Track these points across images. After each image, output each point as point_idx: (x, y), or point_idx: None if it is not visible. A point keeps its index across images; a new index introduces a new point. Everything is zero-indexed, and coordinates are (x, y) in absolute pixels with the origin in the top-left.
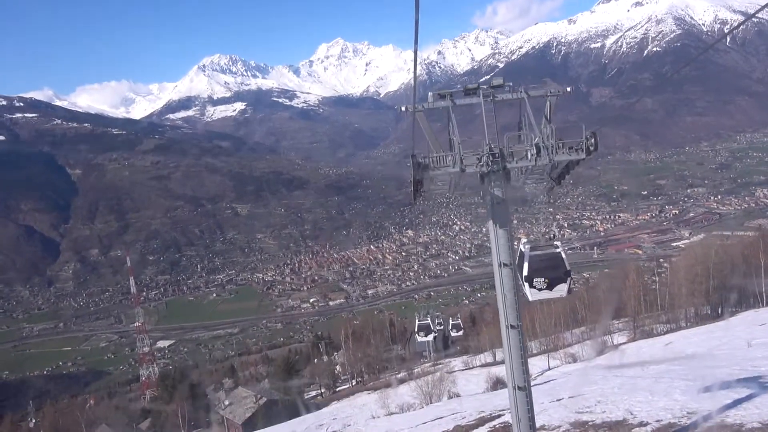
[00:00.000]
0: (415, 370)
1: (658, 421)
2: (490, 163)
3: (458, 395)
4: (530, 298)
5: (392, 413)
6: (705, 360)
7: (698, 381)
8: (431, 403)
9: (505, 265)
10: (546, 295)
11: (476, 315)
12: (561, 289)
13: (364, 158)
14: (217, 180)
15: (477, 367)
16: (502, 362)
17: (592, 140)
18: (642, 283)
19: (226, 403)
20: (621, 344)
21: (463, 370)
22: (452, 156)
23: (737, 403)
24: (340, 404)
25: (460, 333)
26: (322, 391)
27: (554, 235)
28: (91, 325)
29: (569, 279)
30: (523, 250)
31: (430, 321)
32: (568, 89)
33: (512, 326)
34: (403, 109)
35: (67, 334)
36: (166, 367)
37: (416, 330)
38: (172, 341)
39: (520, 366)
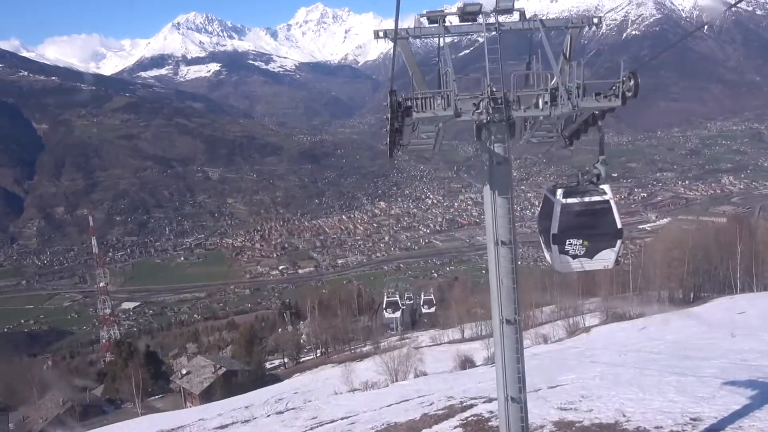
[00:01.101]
0: (382, 344)
1: (657, 428)
2: (491, 110)
3: (425, 374)
4: (558, 268)
5: (355, 390)
6: (689, 350)
7: (690, 376)
8: (397, 381)
9: (503, 243)
10: (583, 264)
11: (445, 289)
12: (606, 258)
13: (340, 127)
14: (188, 142)
15: (445, 343)
16: (471, 340)
17: (632, 83)
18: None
19: (184, 372)
20: (593, 326)
21: (430, 346)
22: (443, 96)
23: (747, 410)
24: (303, 377)
25: (432, 309)
26: (286, 361)
27: (599, 176)
28: (54, 283)
29: (620, 243)
30: (550, 196)
31: (398, 296)
32: (595, 20)
33: (508, 321)
34: (380, 35)
35: (29, 292)
36: (130, 329)
37: (384, 306)
38: (138, 303)
39: (516, 372)
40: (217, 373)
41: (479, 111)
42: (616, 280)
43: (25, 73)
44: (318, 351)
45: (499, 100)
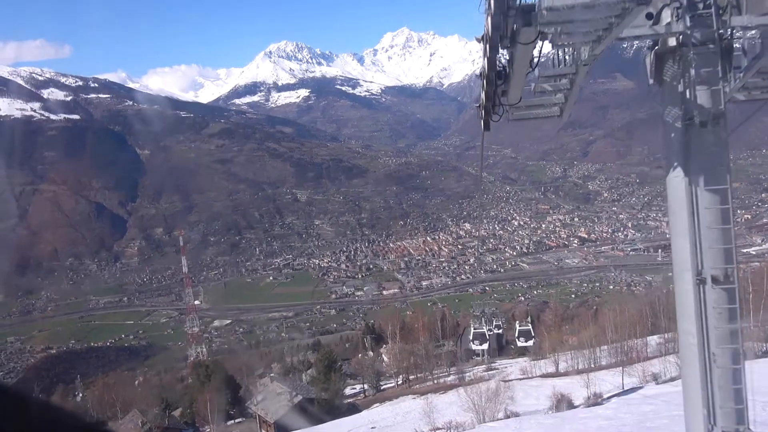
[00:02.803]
0: (467, 374)
1: None
2: (688, 20)
3: (517, 414)
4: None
5: (437, 430)
6: None
7: None
8: (484, 421)
9: (715, 281)
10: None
11: (533, 314)
12: (530, 341)
13: (425, 149)
14: (278, 165)
15: (537, 377)
16: (566, 374)
17: None
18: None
19: (259, 398)
20: None
21: (521, 379)
22: None
23: None
24: (382, 408)
25: (530, 343)
26: (365, 388)
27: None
28: (153, 300)
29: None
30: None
31: (484, 321)
32: None
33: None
34: None
35: (130, 309)
36: (222, 346)
37: (471, 338)
38: (229, 321)
39: None
40: (293, 401)
41: (678, 17)
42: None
43: (131, 102)
44: (399, 378)
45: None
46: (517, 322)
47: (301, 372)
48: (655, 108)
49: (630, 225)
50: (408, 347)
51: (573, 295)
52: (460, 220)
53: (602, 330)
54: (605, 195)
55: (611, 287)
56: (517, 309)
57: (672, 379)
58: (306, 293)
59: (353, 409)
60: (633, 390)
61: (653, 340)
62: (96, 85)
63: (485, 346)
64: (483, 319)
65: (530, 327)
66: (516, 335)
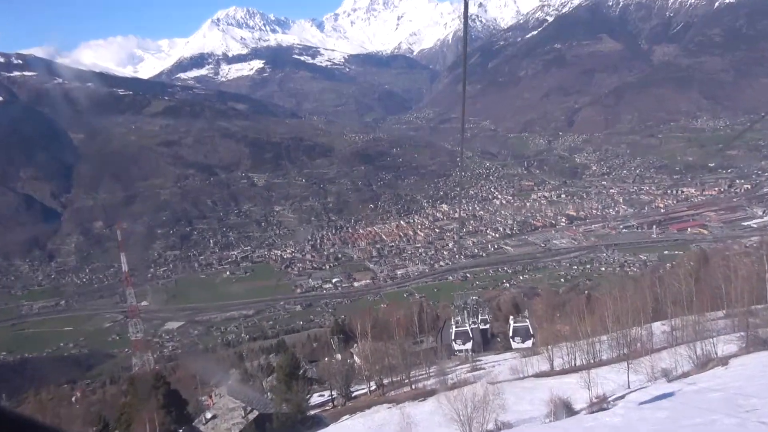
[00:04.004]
0: (449, 376)
1: None
2: None
3: (509, 426)
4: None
5: None
6: None
7: None
8: None
9: None
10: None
11: (520, 302)
12: (528, 342)
13: (395, 123)
14: (231, 146)
15: (530, 377)
16: (563, 372)
17: None
18: (750, 269)
19: (208, 415)
20: (730, 356)
21: (511, 380)
22: None
23: None
24: (353, 421)
25: (528, 343)
26: (334, 396)
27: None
28: (94, 303)
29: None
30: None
31: (467, 317)
32: None
33: None
34: None
35: (68, 313)
36: (175, 350)
37: (453, 337)
38: (182, 323)
39: None
40: (248, 418)
41: None
42: (745, 291)
43: (61, 80)
44: (372, 382)
45: None
46: (511, 317)
47: (261, 379)
48: (645, 70)
49: (621, 200)
50: (382, 346)
51: (562, 279)
52: (437, 200)
53: (599, 318)
54: (594, 168)
55: (603, 269)
56: (502, 296)
57: (684, 375)
58: (268, 288)
59: (319, 422)
60: (642, 389)
61: (658, 327)
62: (20, 61)
63: (468, 345)
64: (466, 311)
65: (528, 323)
66: (510, 334)
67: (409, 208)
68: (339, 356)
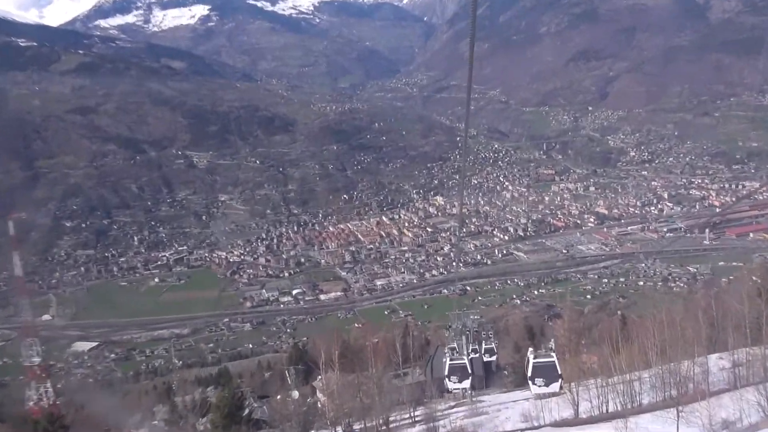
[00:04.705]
0: (440, 422)
1: None
2: None
3: None
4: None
5: None
6: None
7: None
8: None
9: None
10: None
11: (535, 325)
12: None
13: (378, 90)
14: (165, 116)
15: (547, 426)
16: (591, 421)
17: None
18: None
19: None
20: None
21: (523, 430)
22: None
23: None
24: None
25: (552, 388)
26: None
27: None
28: None
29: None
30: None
31: (466, 345)
32: None
33: None
34: None
35: None
36: (85, 379)
37: (447, 372)
38: (95, 343)
39: None
40: None
41: None
42: None
43: None
44: (339, 428)
45: None
46: (531, 351)
47: (194, 420)
48: (700, 31)
49: (666, 196)
50: (353, 380)
51: (589, 296)
52: (430, 191)
53: (638, 348)
54: (632, 154)
55: (642, 283)
56: (511, 317)
57: (753, 429)
58: (208, 301)
59: None
60: None
61: (715, 363)
62: None
63: (467, 381)
64: (464, 336)
65: (554, 358)
66: (529, 373)
67: (394, 201)
68: (297, 392)
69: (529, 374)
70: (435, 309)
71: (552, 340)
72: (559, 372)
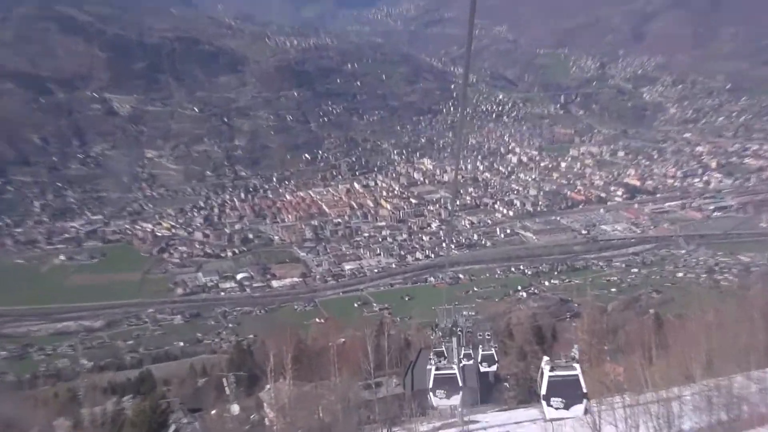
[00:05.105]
0: None
1: None
2: None
3: None
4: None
5: None
6: None
7: None
8: None
9: None
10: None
11: (545, 325)
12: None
13: (352, 23)
14: (78, 47)
15: None
16: None
17: None
18: None
19: None
20: None
21: None
22: None
23: None
24: None
25: (580, 408)
26: None
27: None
28: None
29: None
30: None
31: (457, 349)
32: None
33: None
34: None
35: None
36: None
37: (432, 384)
38: None
39: None
40: None
41: None
42: None
43: None
44: None
45: None
46: (546, 360)
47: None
48: None
49: (714, 165)
50: (312, 391)
51: (614, 289)
52: (415, 152)
53: (677, 357)
54: (672, 111)
55: (681, 274)
56: (515, 314)
57: None
58: (128, 285)
59: None
60: None
61: None
62: None
63: (456, 399)
64: (455, 337)
65: (577, 371)
66: (543, 390)
67: (370, 163)
68: (237, 407)
69: (543, 391)
70: (418, 302)
71: (575, 346)
72: (584, 390)
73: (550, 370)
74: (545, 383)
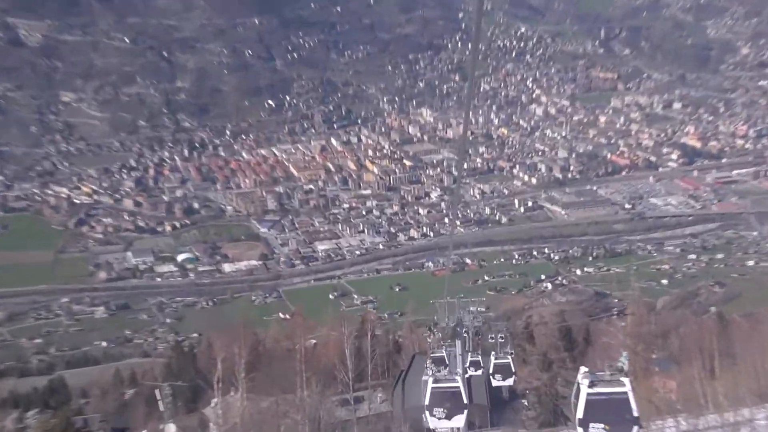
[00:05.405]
0: None
1: None
2: None
3: None
4: None
5: None
6: None
7: None
8: None
9: None
10: None
11: (575, 326)
12: None
13: None
14: None
15: None
16: None
17: None
18: None
19: None
20: None
21: None
22: None
23: None
24: None
25: None
26: None
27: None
28: None
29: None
30: (580, 384)
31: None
32: None
33: None
34: None
35: None
36: None
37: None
38: None
39: None
40: None
41: None
42: None
43: None
44: None
45: None
46: (584, 371)
47: None
48: None
49: None
50: (272, 406)
51: (666, 280)
52: (410, 100)
53: (748, 368)
54: (744, 52)
55: (752, 263)
56: (536, 311)
57: None
58: (37, 267)
59: None
60: None
61: None
62: None
63: (460, 420)
64: (459, 340)
65: (627, 387)
66: (580, 411)
67: (352, 114)
68: (173, 426)
69: (580, 414)
70: (412, 294)
71: (623, 354)
72: (635, 414)
73: (590, 386)
74: (582, 403)
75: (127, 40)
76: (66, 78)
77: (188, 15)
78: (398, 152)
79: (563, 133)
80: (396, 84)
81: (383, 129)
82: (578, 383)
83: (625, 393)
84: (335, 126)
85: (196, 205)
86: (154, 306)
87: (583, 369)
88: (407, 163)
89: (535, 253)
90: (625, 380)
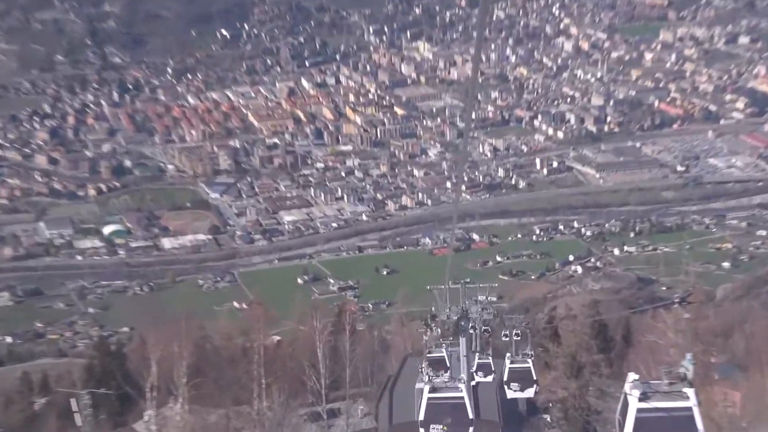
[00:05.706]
0: None
1: None
2: None
3: None
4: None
5: None
6: None
7: None
8: None
9: None
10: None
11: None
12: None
13: None
14: None
15: None
16: None
17: None
18: None
19: None
20: None
21: None
22: None
23: None
24: None
25: None
26: None
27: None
28: None
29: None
30: (628, 396)
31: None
32: None
33: None
34: None
35: None
36: None
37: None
38: None
39: None
40: None
41: None
42: None
43: None
44: None
45: None
46: (633, 377)
47: None
48: None
49: None
50: (219, 420)
51: (728, 263)
52: (404, 30)
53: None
54: None
55: None
56: (562, 301)
57: None
58: None
59: None
60: None
61: None
62: None
63: None
64: (464, 338)
65: (691, 401)
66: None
67: (328, 47)
68: None
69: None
70: (404, 278)
71: (688, 357)
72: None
73: (641, 399)
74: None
75: None
76: None
77: None
78: (387, 97)
79: (598, 75)
80: (385, 10)
81: (368, 67)
82: (625, 395)
83: (690, 408)
84: (307, 63)
85: (127, 163)
86: (74, 292)
87: (631, 376)
88: (399, 111)
89: (561, 227)
90: (689, 391)
